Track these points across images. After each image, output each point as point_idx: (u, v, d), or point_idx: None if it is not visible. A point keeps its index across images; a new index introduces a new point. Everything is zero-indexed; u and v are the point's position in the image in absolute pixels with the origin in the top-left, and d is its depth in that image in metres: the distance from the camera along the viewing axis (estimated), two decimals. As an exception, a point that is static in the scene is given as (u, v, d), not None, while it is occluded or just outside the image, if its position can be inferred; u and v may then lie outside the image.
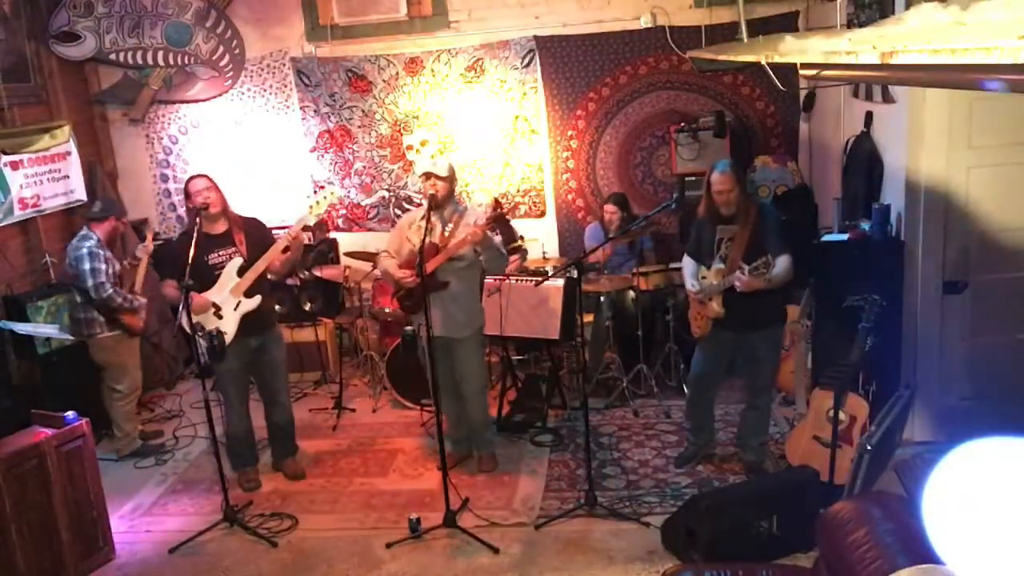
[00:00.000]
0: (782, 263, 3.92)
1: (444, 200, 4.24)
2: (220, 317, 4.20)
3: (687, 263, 4.30)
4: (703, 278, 4.11)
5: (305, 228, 4.72)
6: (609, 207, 5.59)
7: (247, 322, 4.27)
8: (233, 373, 4.42)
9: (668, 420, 5.03)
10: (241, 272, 4.25)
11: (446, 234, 4.23)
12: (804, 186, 5.79)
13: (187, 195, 4.30)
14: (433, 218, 4.16)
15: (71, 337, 4.89)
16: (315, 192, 6.27)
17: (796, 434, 4.15)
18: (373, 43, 6.15)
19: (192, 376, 6.12)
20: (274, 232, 4.61)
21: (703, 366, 4.36)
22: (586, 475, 4.11)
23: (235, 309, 4.24)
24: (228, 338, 4.20)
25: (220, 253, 4.29)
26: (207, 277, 4.22)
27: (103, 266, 4.70)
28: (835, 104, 5.15)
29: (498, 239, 4.34)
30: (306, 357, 6.09)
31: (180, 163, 6.55)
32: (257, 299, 4.27)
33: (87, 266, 4.66)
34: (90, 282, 4.66)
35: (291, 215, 6.03)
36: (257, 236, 4.38)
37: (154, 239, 5.05)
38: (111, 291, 4.70)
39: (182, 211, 6.55)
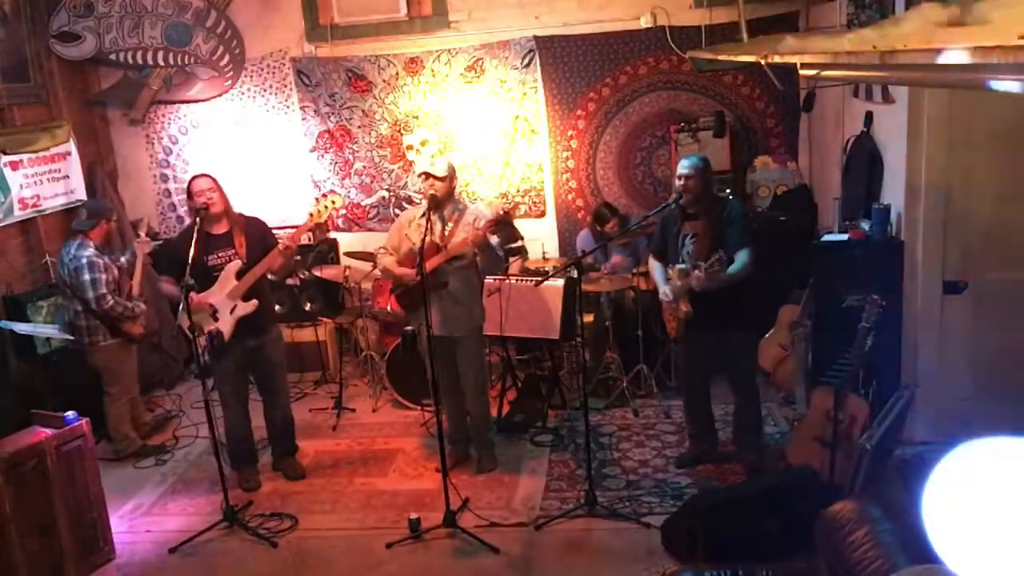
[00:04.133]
0: (740, 257, 3.92)
1: (443, 199, 4.25)
2: (216, 319, 4.20)
3: (654, 266, 4.30)
4: (668, 280, 4.12)
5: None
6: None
7: (244, 323, 4.25)
8: (230, 373, 4.43)
9: (668, 420, 5.03)
10: (239, 275, 4.24)
11: (446, 233, 4.24)
12: (804, 186, 5.78)
13: (189, 194, 4.27)
14: (433, 217, 4.17)
15: (70, 337, 4.86)
16: (319, 197, 6.24)
17: (796, 434, 4.15)
18: (373, 43, 6.14)
19: (192, 376, 6.12)
20: (275, 232, 4.59)
21: (685, 367, 4.43)
22: (586, 475, 4.11)
23: (231, 312, 4.22)
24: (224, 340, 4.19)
25: (220, 254, 4.28)
26: (206, 278, 4.20)
27: (103, 275, 4.64)
28: (835, 104, 5.14)
29: (495, 240, 4.34)
30: (306, 357, 6.09)
31: (180, 163, 6.54)
32: (253, 303, 4.25)
33: (87, 277, 4.60)
34: (91, 294, 4.60)
35: (291, 215, 6.05)
36: (258, 238, 4.35)
37: (153, 239, 5.02)
38: (112, 302, 4.64)
39: (182, 211, 6.54)
